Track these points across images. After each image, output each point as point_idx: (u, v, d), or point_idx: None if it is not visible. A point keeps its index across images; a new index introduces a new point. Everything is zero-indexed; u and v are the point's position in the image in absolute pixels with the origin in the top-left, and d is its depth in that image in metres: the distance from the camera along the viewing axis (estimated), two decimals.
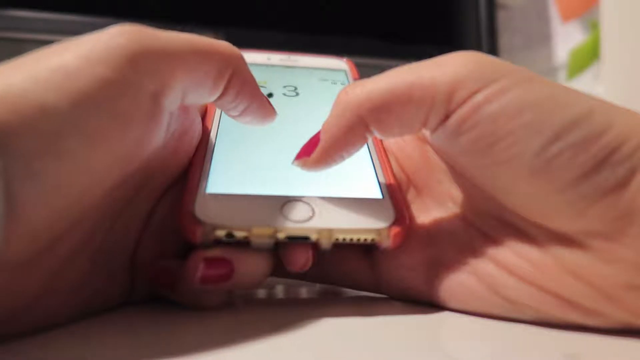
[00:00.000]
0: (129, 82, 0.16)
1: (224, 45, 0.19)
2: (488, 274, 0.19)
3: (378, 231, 0.19)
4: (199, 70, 0.18)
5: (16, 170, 0.13)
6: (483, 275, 0.19)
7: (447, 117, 0.18)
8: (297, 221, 0.19)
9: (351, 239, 0.19)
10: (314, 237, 0.19)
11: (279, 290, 0.25)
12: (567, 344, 0.16)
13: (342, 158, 0.20)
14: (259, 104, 0.21)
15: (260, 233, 0.18)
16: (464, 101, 0.17)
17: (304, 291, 0.25)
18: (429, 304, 0.20)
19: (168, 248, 0.21)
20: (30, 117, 0.14)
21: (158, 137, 0.18)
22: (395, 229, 0.19)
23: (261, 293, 0.24)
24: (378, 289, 0.22)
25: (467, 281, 0.19)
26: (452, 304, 0.20)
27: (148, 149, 0.18)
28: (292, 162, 0.20)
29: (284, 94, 0.27)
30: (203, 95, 0.19)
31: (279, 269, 0.20)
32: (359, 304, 0.22)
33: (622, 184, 0.16)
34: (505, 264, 0.18)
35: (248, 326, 0.18)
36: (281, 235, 0.19)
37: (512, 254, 0.18)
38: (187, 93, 0.19)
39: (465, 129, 0.17)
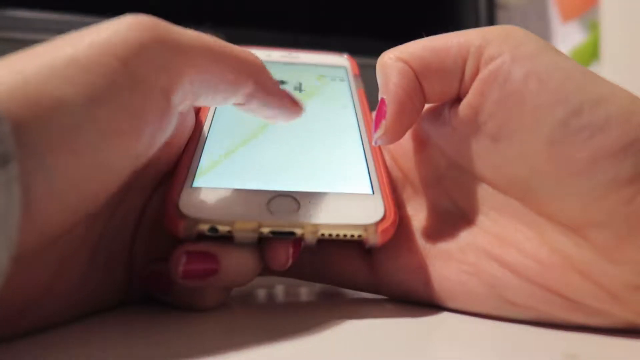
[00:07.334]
0: (138, 75, 0.16)
1: (243, 53, 0.19)
2: (490, 274, 0.18)
3: (365, 227, 0.19)
4: (211, 72, 0.18)
5: (31, 166, 0.13)
6: (485, 276, 0.19)
7: (476, 73, 0.19)
8: (282, 216, 0.19)
9: (337, 235, 0.19)
10: (298, 232, 0.18)
11: (279, 291, 0.25)
12: (567, 344, 0.16)
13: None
14: (285, 108, 0.21)
15: (243, 227, 0.18)
16: (493, 59, 0.18)
17: (304, 292, 0.25)
18: (429, 304, 0.20)
19: (163, 244, 0.21)
20: (47, 112, 0.13)
21: (167, 134, 0.18)
22: (383, 226, 0.19)
23: (260, 294, 0.24)
24: (378, 291, 0.22)
25: (468, 282, 0.19)
26: (452, 305, 0.20)
27: (157, 145, 0.18)
28: (374, 142, 0.21)
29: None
30: (217, 100, 0.19)
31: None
32: (358, 306, 0.22)
33: None
34: (509, 263, 0.18)
35: (244, 328, 0.18)
36: (265, 230, 0.18)
37: (517, 252, 0.18)
38: (199, 94, 0.18)
39: (493, 86, 0.18)
